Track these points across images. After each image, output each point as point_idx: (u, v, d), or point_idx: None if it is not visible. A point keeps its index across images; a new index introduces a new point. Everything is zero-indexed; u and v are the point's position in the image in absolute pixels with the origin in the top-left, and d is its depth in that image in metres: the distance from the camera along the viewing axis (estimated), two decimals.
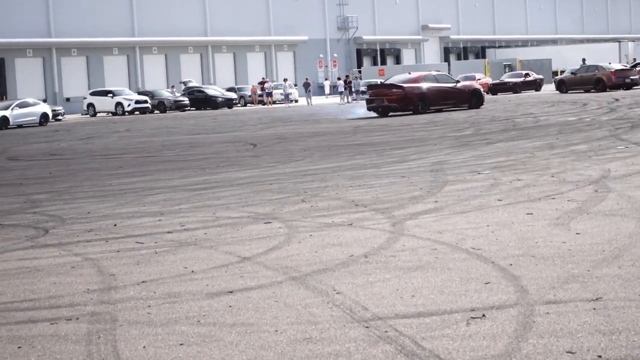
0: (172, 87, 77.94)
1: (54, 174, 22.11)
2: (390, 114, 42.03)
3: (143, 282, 9.14)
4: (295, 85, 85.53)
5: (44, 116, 57.23)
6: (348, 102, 71.12)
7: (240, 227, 12.14)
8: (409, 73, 47.23)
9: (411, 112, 41.65)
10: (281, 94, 77.19)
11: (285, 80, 79.85)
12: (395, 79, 45.17)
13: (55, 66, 78.74)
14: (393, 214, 12.45)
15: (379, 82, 45.92)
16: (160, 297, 8.48)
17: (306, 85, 73.99)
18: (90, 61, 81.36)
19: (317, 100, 78.16)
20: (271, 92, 75.97)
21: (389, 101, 42.07)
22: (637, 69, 64.96)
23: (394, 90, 42.21)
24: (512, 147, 21.87)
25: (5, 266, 10.33)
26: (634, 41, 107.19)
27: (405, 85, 42.28)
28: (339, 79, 77.78)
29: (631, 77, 60.54)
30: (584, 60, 75.94)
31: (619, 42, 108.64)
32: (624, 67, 65.87)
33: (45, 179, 20.92)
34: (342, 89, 72.73)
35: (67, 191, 17.75)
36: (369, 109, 43.37)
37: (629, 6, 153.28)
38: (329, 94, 72.12)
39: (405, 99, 41.78)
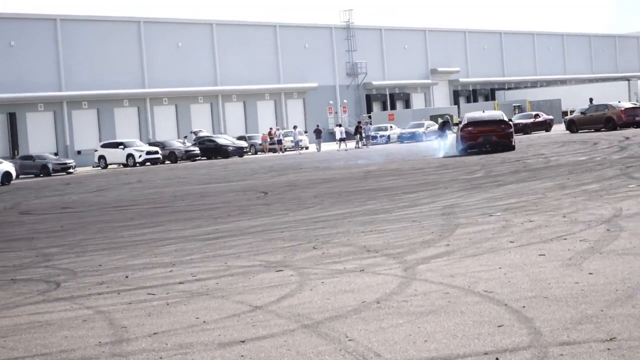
0: (185, 137, 78.20)
1: (65, 227, 22.12)
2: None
3: (155, 333, 9.10)
4: (306, 132, 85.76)
5: (6, 175, 52.94)
6: (358, 147, 71.24)
7: (252, 275, 12.11)
8: (483, 112, 47.44)
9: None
10: (291, 141, 77.39)
11: (295, 127, 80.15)
12: (490, 115, 45.30)
13: (66, 119, 79.15)
14: (405, 259, 12.41)
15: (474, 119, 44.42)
16: (172, 348, 8.44)
17: (317, 132, 74.06)
18: (101, 113, 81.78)
19: (327, 146, 78.32)
20: (281, 140, 76.12)
21: (497, 137, 42.01)
22: None
23: (503, 125, 42.53)
24: (523, 189, 21.83)
25: (17, 321, 10.31)
26: None
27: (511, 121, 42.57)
28: (338, 125, 78.09)
29: None
30: (591, 100, 76.00)
31: (629, 80, 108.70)
32: (634, 106, 65.84)
33: (57, 232, 20.94)
34: (341, 135, 72.80)
35: (79, 244, 17.75)
36: (470, 147, 42.33)
37: (637, 44, 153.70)
38: (342, 139, 72.21)
39: (511, 134, 42.44)
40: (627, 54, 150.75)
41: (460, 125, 43.51)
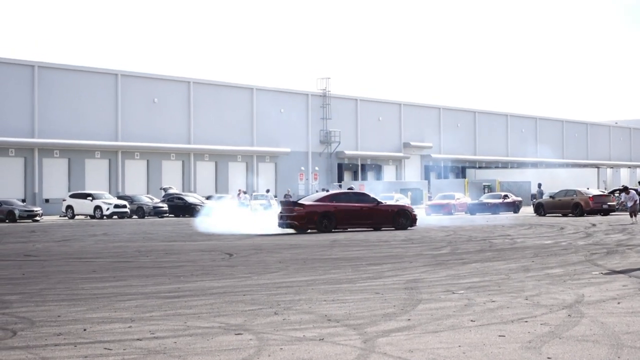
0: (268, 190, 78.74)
1: (27, 275, 21.93)
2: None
3: None
4: (276, 196, 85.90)
5: None
6: None
7: (211, 337, 12.05)
8: (325, 190, 46.84)
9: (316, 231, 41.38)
10: (261, 204, 77.63)
11: (267, 191, 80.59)
12: (305, 198, 44.98)
13: (36, 166, 78.90)
14: (365, 330, 12.38)
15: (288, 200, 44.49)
16: None
17: (287, 197, 74.41)
18: (72, 163, 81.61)
19: None
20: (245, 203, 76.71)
21: (290, 219, 41.73)
22: (615, 195, 65.53)
23: (296, 208, 42.02)
24: (487, 268, 21.88)
25: None
26: (612, 167, 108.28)
27: (306, 203, 42.36)
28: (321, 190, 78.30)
29: (609, 203, 61.07)
30: (539, 184, 76.89)
31: (598, 167, 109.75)
32: (602, 193, 66.50)
33: (18, 279, 20.75)
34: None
35: (39, 293, 17.60)
36: (279, 225, 42.36)
37: (608, 134, 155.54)
38: None
39: (306, 217, 41.59)
40: (598, 143, 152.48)
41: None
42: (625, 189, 51.00)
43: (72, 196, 71.88)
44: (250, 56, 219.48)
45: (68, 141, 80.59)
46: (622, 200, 51.66)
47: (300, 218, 41.36)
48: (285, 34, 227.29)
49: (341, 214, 42.13)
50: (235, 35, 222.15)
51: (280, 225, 42.33)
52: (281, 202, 45.46)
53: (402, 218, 43.72)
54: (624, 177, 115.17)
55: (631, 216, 47.20)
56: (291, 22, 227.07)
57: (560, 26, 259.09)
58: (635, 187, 57.88)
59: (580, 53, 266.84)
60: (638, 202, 47.22)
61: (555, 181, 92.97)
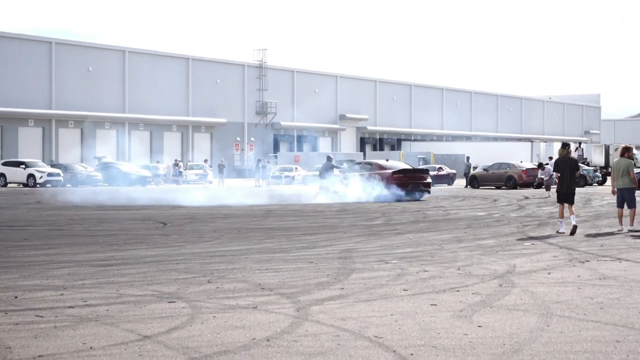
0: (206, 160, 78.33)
1: None
2: None
3: (40, 356, 8.96)
4: (211, 166, 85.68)
5: None
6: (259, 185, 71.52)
7: (144, 305, 12.01)
8: (387, 160, 49.68)
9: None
10: (196, 174, 77.66)
11: (205, 161, 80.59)
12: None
13: None
14: (298, 299, 12.42)
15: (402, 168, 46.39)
16: None
17: (221, 166, 74.49)
18: (4, 131, 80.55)
19: (230, 182, 78.29)
20: (181, 172, 76.96)
21: (424, 185, 45.00)
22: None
23: (425, 174, 46.24)
24: (420, 239, 22.04)
25: None
26: (546, 142, 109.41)
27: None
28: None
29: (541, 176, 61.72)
30: (468, 158, 77.54)
31: (532, 142, 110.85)
32: (535, 167, 67.20)
33: None
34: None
35: None
36: (407, 193, 43.89)
37: (542, 109, 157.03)
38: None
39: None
40: (532, 116, 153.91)
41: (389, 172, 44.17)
42: (540, 165, 53.18)
43: (5, 164, 70.93)
44: (187, 26, 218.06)
45: (1, 109, 79.50)
46: (539, 175, 53.63)
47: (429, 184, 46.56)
48: (222, 4, 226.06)
49: None
50: (173, 4, 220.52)
51: (408, 192, 44.48)
52: (402, 170, 46.41)
53: None
54: (557, 152, 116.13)
55: (547, 190, 48.60)
56: None
57: (497, 2, 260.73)
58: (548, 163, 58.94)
59: (517, 28, 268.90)
60: (553, 177, 48.13)
61: (490, 154, 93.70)
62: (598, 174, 71.27)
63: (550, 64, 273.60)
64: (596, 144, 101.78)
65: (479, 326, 10.47)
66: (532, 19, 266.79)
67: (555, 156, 37.16)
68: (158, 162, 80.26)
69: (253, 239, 22.26)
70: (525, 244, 20.63)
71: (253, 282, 14.10)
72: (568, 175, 23.98)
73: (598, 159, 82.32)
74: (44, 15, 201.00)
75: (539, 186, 59.68)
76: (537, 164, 56.51)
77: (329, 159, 47.25)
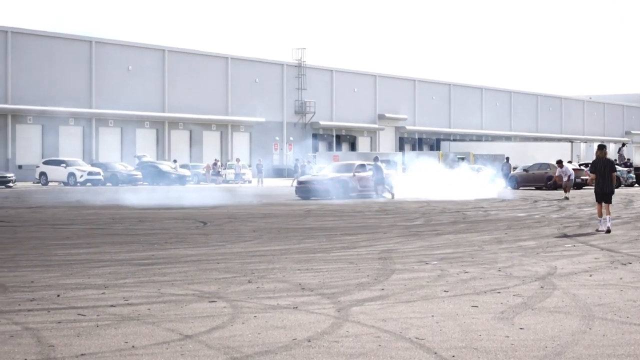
0: (175, 161, 78.09)
1: None
2: None
3: (82, 354, 9.01)
4: (249, 166, 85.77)
5: None
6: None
7: (185, 304, 12.05)
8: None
9: None
10: (234, 173, 77.75)
11: (237, 160, 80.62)
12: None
13: (9, 133, 78.29)
14: (339, 300, 12.42)
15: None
16: None
17: (259, 166, 74.46)
18: (45, 130, 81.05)
19: (269, 182, 78.38)
20: (219, 172, 76.93)
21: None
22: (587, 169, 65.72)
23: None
24: (460, 240, 21.97)
25: None
26: (586, 142, 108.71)
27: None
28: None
29: (582, 177, 61.17)
30: (507, 158, 76.64)
31: (572, 142, 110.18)
32: (575, 167, 66.68)
33: None
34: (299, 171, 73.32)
35: (12, 259, 17.54)
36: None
37: (582, 109, 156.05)
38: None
39: None
40: (572, 116, 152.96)
41: None
42: (559, 162, 50.75)
43: (46, 163, 71.48)
44: (226, 25, 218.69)
45: (42, 107, 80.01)
46: (557, 174, 49.97)
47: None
48: (261, 3, 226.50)
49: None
50: (212, 3, 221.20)
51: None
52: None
53: None
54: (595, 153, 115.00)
55: (565, 191, 47.02)
56: None
57: (537, 1, 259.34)
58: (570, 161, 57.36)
59: (556, 28, 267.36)
60: (572, 177, 47.12)
61: (529, 155, 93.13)
62: (632, 174, 70.51)
63: (591, 63, 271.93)
64: (637, 144, 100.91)
65: (521, 328, 10.42)
66: (575, 19, 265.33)
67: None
68: (175, 160, 79.66)
69: (293, 238, 22.28)
70: (566, 245, 20.51)
71: (293, 282, 14.12)
72: (607, 175, 24.19)
73: (639, 159, 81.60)
74: (83, 15, 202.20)
75: (579, 187, 58.98)
76: (556, 161, 52.58)
77: (376, 159, 47.37)
